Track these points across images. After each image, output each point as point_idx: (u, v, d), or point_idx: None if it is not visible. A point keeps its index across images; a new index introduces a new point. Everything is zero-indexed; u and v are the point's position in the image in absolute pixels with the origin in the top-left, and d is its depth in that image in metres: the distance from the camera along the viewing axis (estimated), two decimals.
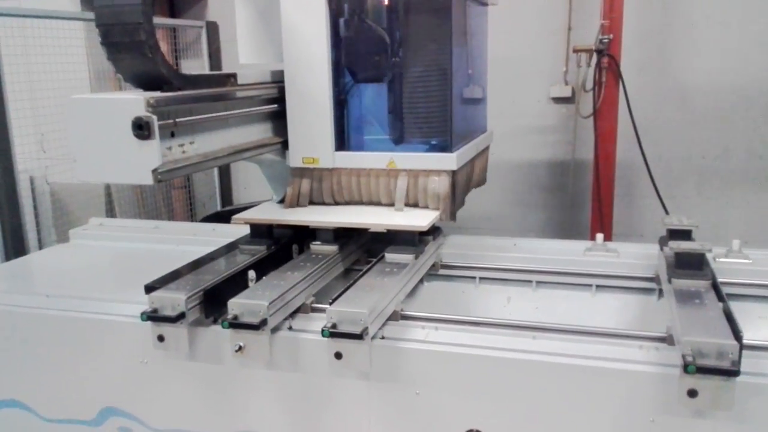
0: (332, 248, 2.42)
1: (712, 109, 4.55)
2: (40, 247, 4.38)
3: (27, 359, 2.34)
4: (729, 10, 4.40)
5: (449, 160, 2.44)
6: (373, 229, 2.58)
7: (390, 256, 2.32)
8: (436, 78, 2.53)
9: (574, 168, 4.73)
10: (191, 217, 5.51)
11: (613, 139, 3.97)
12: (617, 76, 3.89)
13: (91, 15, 4.70)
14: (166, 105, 1.90)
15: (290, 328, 2.06)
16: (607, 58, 3.85)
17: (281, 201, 2.62)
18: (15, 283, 2.66)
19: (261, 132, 2.47)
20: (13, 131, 3.92)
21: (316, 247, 2.44)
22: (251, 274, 2.20)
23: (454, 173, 2.44)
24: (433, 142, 2.58)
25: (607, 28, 3.82)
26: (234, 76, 2.31)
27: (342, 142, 2.55)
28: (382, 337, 1.98)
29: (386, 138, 2.62)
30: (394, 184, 2.46)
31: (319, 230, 2.47)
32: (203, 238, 2.93)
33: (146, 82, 1.98)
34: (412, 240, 2.37)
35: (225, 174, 5.67)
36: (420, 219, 2.38)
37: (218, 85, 2.23)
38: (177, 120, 1.96)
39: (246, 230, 2.58)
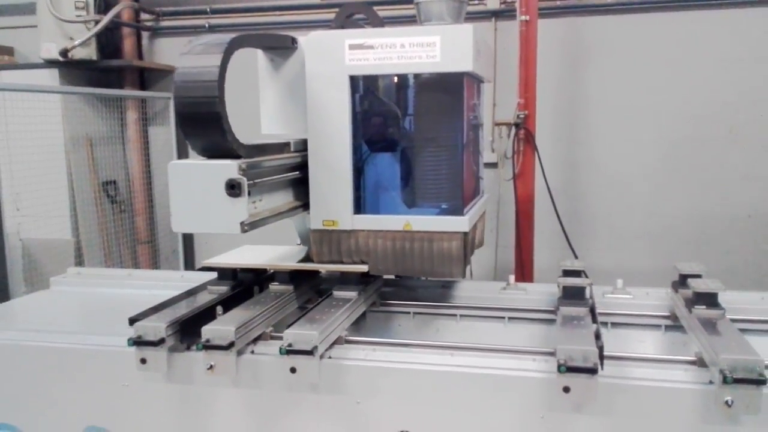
0: (288, 288, 2.81)
1: (617, 174, 5.29)
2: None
3: (18, 387, 2.63)
4: (627, 93, 5.24)
5: (462, 223, 2.67)
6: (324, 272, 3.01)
7: (337, 293, 2.74)
8: (450, 148, 2.78)
9: (498, 224, 5.32)
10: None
11: (531, 200, 4.56)
12: (533, 146, 4.52)
13: (68, 88, 5.16)
14: (250, 169, 2.30)
15: (252, 352, 2.44)
16: (523, 130, 4.48)
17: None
18: (6, 321, 2.98)
19: (293, 195, 2.76)
20: None
21: (274, 286, 2.83)
22: (219, 309, 2.57)
23: (465, 234, 2.67)
24: (444, 206, 2.80)
25: (522, 105, 4.47)
26: (288, 144, 2.68)
27: (359, 206, 2.75)
28: (330, 357, 2.38)
29: (400, 202, 2.83)
30: (409, 246, 2.68)
31: (277, 273, 2.89)
32: (172, 284, 3.24)
33: (215, 152, 2.32)
34: (356, 280, 2.80)
35: None
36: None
37: (277, 153, 2.61)
38: (256, 181, 2.33)
39: (209, 278, 2.96)
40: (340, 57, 2.60)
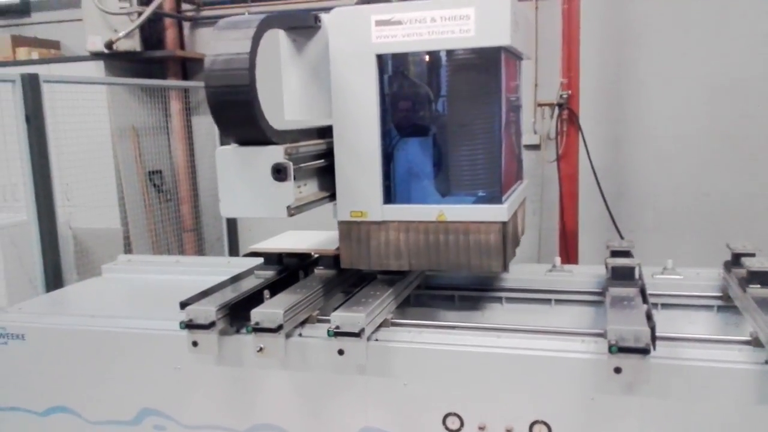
0: (333, 272, 2.83)
1: (662, 153, 5.16)
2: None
3: (74, 370, 2.72)
4: (673, 69, 5.08)
5: (500, 212, 2.46)
6: None
7: (382, 277, 2.75)
8: (487, 131, 2.57)
9: (542, 206, 5.26)
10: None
11: (575, 180, 4.50)
12: (577, 126, 4.45)
13: (113, 79, 5.28)
14: (295, 154, 2.32)
15: (300, 335, 2.47)
16: (567, 111, 4.41)
17: None
18: (61, 307, 3.09)
19: (328, 182, 2.64)
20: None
21: (319, 271, 2.86)
22: (266, 293, 2.59)
23: (504, 224, 2.47)
24: (481, 194, 2.59)
25: (566, 86, 4.40)
26: (330, 129, 2.55)
27: (389, 196, 2.57)
28: (376, 340, 2.39)
29: (433, 191, 2.64)
30: (443, 239, 2.50)
31: (322, 257, 2.91)
32: (219, 269, 3.30)
33: (248, 139, 2.30)
34: None
35: (231, 218, 6.14)
36: None
37: (315, 138, 2.57)
38: (301, 165, 2.34)
39: (254, 263, 3.00)
40: (365, 34, 2.41)
